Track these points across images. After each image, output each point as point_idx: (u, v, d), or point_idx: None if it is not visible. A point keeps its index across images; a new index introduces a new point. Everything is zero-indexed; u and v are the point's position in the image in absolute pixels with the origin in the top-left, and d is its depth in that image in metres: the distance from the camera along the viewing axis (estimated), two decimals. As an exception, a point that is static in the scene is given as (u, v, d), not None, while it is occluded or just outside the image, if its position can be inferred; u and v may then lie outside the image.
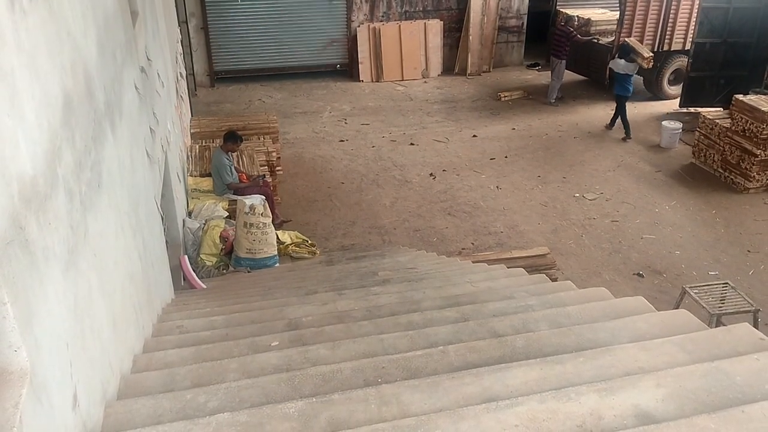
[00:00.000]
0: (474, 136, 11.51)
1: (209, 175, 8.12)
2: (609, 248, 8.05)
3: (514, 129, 11.80)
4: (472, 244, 8.15)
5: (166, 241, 5.35)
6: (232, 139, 8.02)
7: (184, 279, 6.18)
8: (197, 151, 8.80)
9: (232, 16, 13.61)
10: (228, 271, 6.80)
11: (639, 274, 7.50)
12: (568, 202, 9.18)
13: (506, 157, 10.65)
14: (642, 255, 7.88)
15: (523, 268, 5.68)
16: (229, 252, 6.93)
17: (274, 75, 14.30)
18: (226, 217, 7.39)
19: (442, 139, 11.37)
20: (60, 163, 2.31)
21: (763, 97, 9.54)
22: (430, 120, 12.30)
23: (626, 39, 12.12)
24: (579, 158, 10.57)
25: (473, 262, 6.37)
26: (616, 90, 11.54)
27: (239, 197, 7.42)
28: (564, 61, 12.62)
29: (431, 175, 10.04)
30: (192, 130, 9.61)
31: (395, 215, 8.87)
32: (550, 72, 13.12)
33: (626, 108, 11.42)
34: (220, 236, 6.93)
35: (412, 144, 11.19)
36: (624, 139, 11.24)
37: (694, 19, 11.75)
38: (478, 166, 10.32)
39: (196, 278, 6.16)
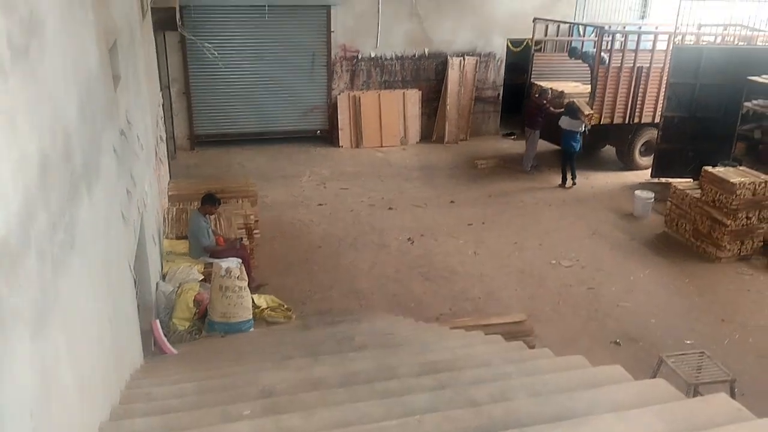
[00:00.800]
0: (451, 201, 11.64)
1: (185, 237, 8.05)
2: (586, 315, 8.06)
3: (490, 196, 11.98)
4: (450, 309, 8.11)
5: (138, 305, 5.24)
6: (210, 201, 8.01)
7: (154, 344, 6.02)
8: (174, 213, 8.75)
9: (214, 81, 13.83)
10: (201, 336, 6.63)
11: (616, 342, 7.49)
12: (545, 269, 9.23)
13: (483, 223, 10.76)
14: (618, 322, 7.90)
15: (501, 334, 5.65)
16: (202, 316, 6.78)
17: (254, 139, 14.44)
18: (201, 281, 7.28)
19: (420, 204, 11.47)
20: (33, 224, 2.29)
21: (731, 169, 9.85)
22: (408, 185, 12.44)
23: (573, 100, 12.76)
24: (554, 225, 10.71)
25: (451, 328, 6.32)
26: (564, 145, 12.35)
27: (215, 260, 7.33)
28: (538, 132, 12.99)
29: (409, 239, 10.07)
30: (170, 193, 9.59)
31: (373, 280, 8.82)
32: (525, 141, 13.47)
33: (575, 161, 12.39)
34: (194, 299, 6.80)
35: (390, 209, 11.26)
36: (570, 186, 12.35)
37: (663, 94, 12.23)
38: (456, 232, 10.40)
39: (167, 343, 6.01)
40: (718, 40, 13.16)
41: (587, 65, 13.02)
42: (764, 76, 10.72)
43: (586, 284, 8.81)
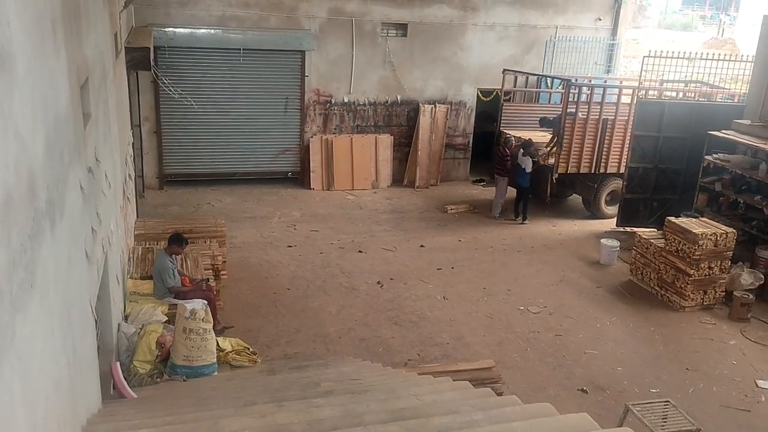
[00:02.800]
0: (421, 246, 11.68)
1: (150, 277, 7.91)
2: (553, 362, 8.07)
3: (460, 241, 12.06)
4: (418, 355, 8.05)
5: (98, 346, 5.09)
6: (177, 241, 7.91)
7: (114, 387, 5.83)
8: (140, 252, 8.61)
9: (185, 121, 13.82)
10: (162, 380, 6.46)
11: (583, 390, 7.49)
12: (513, 315, 9.26)
13: (453, 267, 10.79)
14: (585, 370, 7.92)
15: (469, 381, 5.60)
16: (165, 359, 6.62)
17: (224, 180, 14.40)
18: (165, 322, 7.12)
19: (390, 248, 11.48)
20: (-8, 262, 2.22)
21: (693, 220, 10.10)
22: (378, 229, 12.47)
23: (530, 138, 13.24)
24: (523, 272, 10.80)
25: (419, 374, 6.26)
26: (518, 181, 13.00)
27: (180, 301, 7.20)
28: (506, 179, 13.23)
29: (379, 283, 10.04)
30: (136, 232, 9.45)
31: (341, 323, 8.74)
32: (494, 188, 13.68)
33: (527, 200, 13.10)
34: (156, 342, 6.64)
35: (360, 252, 11.25)
36: (520, 222, 12.98)
37: (628, 145, 12.58)
38: (426, 276, 10.40)
39: (127, 387, 5.82)
40: (680, 95, 13.66)
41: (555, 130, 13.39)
42: (723, 131, 11.12)
43: (554, 331, 8.85)
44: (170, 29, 13.12)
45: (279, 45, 13.86)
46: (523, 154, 12.86)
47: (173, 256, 7.92)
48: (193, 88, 13.53)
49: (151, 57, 10.03)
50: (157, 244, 8.93)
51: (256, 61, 13.88)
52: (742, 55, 15.75)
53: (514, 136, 13.70)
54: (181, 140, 13.99)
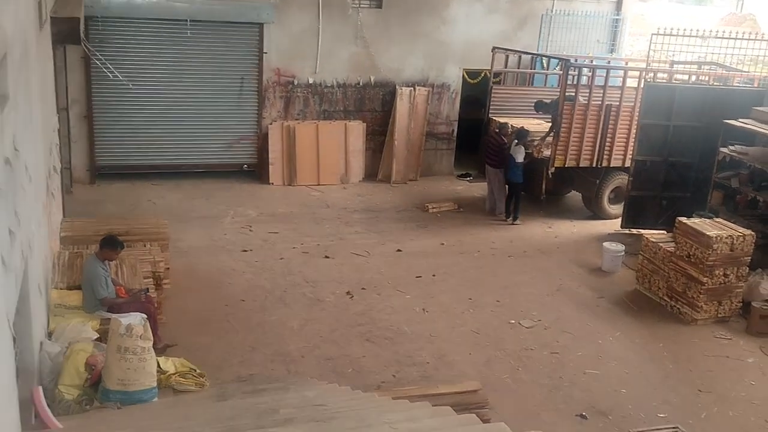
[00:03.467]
0: (398, 250, 11.70)
1: (79, 287, 7.83)
2: (549, 384, 8.15)
3: (443, 244, 12.11)
4: (394, 376, 8.07)
5: (17, 368, 5.02)
6: (111, 245, 7.83)
7: (35, 416, 5.76)
8: (66, 258, 8.52)
9: (122, 104, 13.68)
10: (93, 407, 6.39)
11: (582, 416, 7.57)
12: (503, 330, 9.33)
13: (434, 275, 10.83)
14: (585, 393, 8.01)
15: (451, 406, 5.62)
16: (95, 383, 6.55)
17: (168, 173, 14.27)
18: (96, 340, 7.05)
19: (362, 253, 11.48)
20: None
21: (707, 220, 10.28)
22: (348, 231, 12.46)
23: (523, 126, 13.49)
24: (514, 280, 10.88)
25: (393, 398, 6.27)
26: (510, 176, 13.16)
27: (114, 315, 7.12)
28: (501, 170, 13.26)
29: (348, 293, 10.03)
30: (63, 234, 9.34)
31: (304, 341, 8.72)
32: (487, 183, 13.75)
33: (519, 197, 13.25)
34: (85, 363, 6.57)
35: (327, 257, 11.23)
36: (510, 223, 13.14)
37: (634, 135, 12.75)
38: (403, 285, 10.42)
39: (51, 415, 5.75)
40: (692, 78, 13.90)
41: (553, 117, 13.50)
42: (741, 119, 11.34)
43: (550, 348, 8.93)
44: (104, -4, 12.97)
45: (233, 16, 13.79)
46: (517, 144, 12.96)
47: (106, 262, 7.84)
48: (132, 66, 13.40)
49: (82, 29, 9.89)
50: (87, 248, 8.82)
51: (206, 35, 13.80)
52: (763, 34, 16.11)
53: (511, 124, 13.79)
54: (116, 127, 13.84)
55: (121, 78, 12.39)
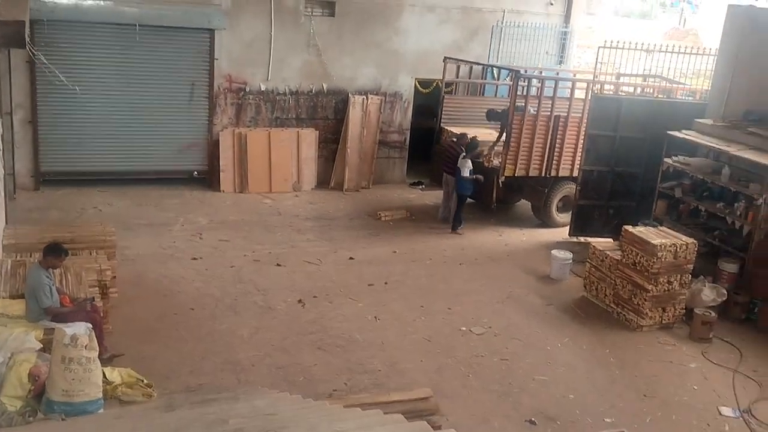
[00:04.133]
0: (350, 258, 11.70)
1: (22, 296, 7.66)
2: (498, 390, 8.23)
3: (395, 252, 12.15)
4: (345, 384, 8.06)
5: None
6: (55, 252, 7.68)
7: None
8: (9, 266, 8.33)
9: (68, 109, 13.38)
10: (36, 419, 6.26)
11: (531, 421, 7.67)
12: (454, 337, 9.40)
13: (386, 283, 10.86)
14: (534, 399, 8.11)
15: (403, 413, 5.64)
16: (39, 394, 6.41)
17: (116, 180, 14.03)
18: (40, 350, 6.90)
19: (314, 261, 11.45)
20: None
21: (652, 229, 10.54)
22: (300, 238, 12.41)
23: (475, 137, 13.59)
24: (465, 287, 10.98)
25: (345, 406, 6.26)
26: (458, 188, 13.21)
27: (58, 325, 6.96)
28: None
29: (300, 301, 9.99)
30: (5, 241, 9.12)
31: (254, 349, 8.64)
32: (443, 192, 13.82)
33: (462, 207, 13.31)
34: (29, 374, 6.45)
35: (278, 265, 11.17)
36: (452, 233, 13.15)
37: (581, 146, 13.01)
38: (355, 293, 10.42)
39: (-9, 429, 5.59)
40: (638, 90, 14.28)
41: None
42: (684, 131, 11.69)
43: (499, 355, 9.03)
44: (50, 0, 12.69)
45: (183, 22, 13.65)
46: (464, 157, 13.02)
47: (50, 270, 7.68)
48: (79, 71, 13.18)
49: (27, 32, 9.67)
50: (31, 256, 8.63)
51: (155, 40, 13.63)
52: (705, 48, 16.65)
53: (466, 133, 13.91)
54: (62, 132, 13.55)
55: (67, 83, 12.15)
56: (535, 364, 8.88)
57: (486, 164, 13.42)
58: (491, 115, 14.11)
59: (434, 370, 8.55)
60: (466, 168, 12.93)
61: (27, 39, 9.69)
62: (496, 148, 13.57)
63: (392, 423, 5.07)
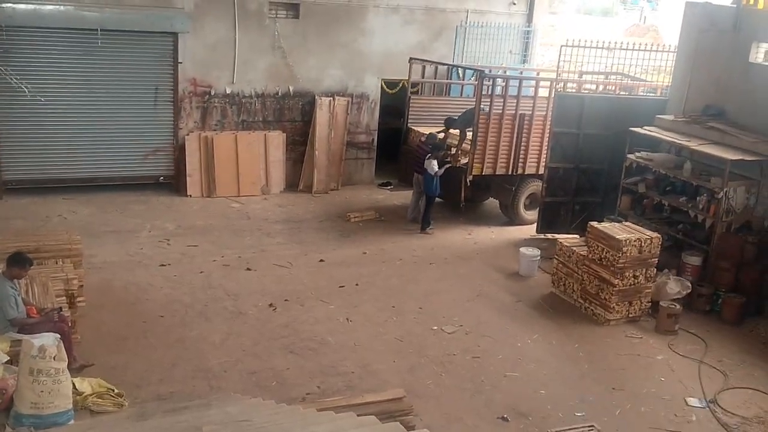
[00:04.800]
0: (321, 260, 11.69)
1: (-13, 308, 7.48)
2: (471, 388, 8.30)
3: (365, 253, 12.17)
4: (318, 387, 8.05)
5: None
6: (19, 263, 7.55)
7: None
8: (-27, 278, 8.12)
9: (30, 116, 13.18)
10: (3, 434, 6.16)
11: (504, 418, 7.74)
12: (426, 336, 9.45)
13: (357, 284, 10.87)
14: (506, 395, 8.20)
15: (377, 414, 5.69)
16: (7, 407, 6.32)
17: (80, 187, 13.82)
18: (6, 363, 6.79)
19: (284, 264, 11.42)
20: None
21: (617, 225, 10.71)
22: (270, 242, 12.37)
23: (433, 133, 13.78)
24: (436, 286, 11.04)
25: (318, 410, 6.27)
26: (425, 188, 13.27)
27: (25, 336, 6.86)
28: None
29: (271, 305, 9.96)
30: (-33, 252, 8.91)
31: (226, 355, 8.60)
32: (413, 192, 13.86)
33: (430, 207, 13.35)
34: (-5, 387, 6.33)
35: (248, 269, 11.12)
36: (421, 233, 13.21)
37: (547, 144, 13.17)
38: (326, 295, 10.42)
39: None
40: (600, 88, 14.48)
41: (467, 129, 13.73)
42: (646, 127, 11.88)
43: (471, 353, 9.10)
44: (8, 5, 12.49)
45: (146, 25, 13.51)
46: (429, 157, 13.04)
47: (15, 280, 7.56)
48: (40, 77, 13.01)
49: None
50: (-5, 266, 8.45)
51: (117, 45, 13.46)
52: (665, 45, 16.94)
53: (437, 132, 13.99)
54: (24, 139, 13.35)
55: (26, 91, 11.92)
56: (506, 361, 8.96)
57: (454, 163, 13.49)
58: (450, 123, 14.11)
59: (407, 370, 8.59)
60: (433, 168, 12.99)
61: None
62: (462, 147, 13.65)
63: (366, 425, 5.10)
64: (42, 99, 12.77)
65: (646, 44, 16.88)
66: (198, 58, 14.19)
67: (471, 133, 13.50)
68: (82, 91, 13.48)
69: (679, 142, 11.31)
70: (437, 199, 13.61)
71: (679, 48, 12.66)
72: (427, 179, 13.09)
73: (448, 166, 13.26)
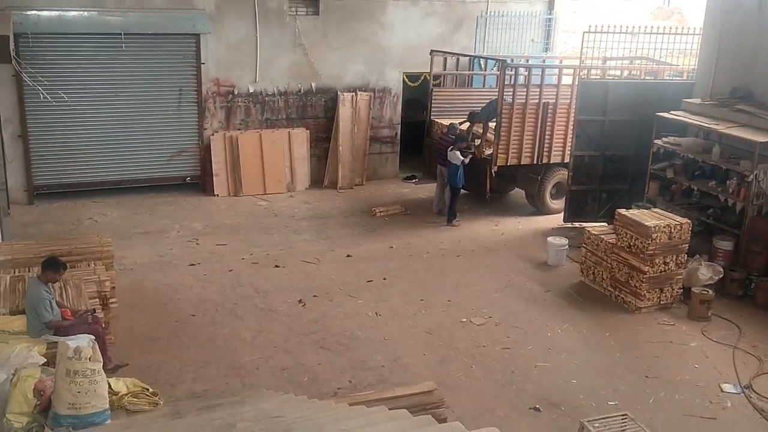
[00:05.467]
0: (348, 256, 11.72)
1: (22, 312, 7.62)
2: (502, 379, 8.28)
3: (392, 247, 12.17)
4: (350, 382, 8.09)
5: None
6: (53, 266, 7.65)
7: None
8: (8, 283, 8.28)
9: (58, 121, 13.39)
10: (43, 434, 6.24)
11: (536, 408, 7.72)
12: (455, 329, 9.44)
13: (385, 279, 10.89)
14: (537, 386, 8.16)
15: (408, 408, 5.69)
16: (45, 409, 6.40)
17: (109, 189, 14.01)
18: (43, 365, 6.89)
19: (311, 260, 11.47)
20: None
21: (645, 211, 10.59)
22: (297, 239, 12.43)
23: (452, 123, 13.70)
24: (464, 279, 11.01)
25: (350, 404, 6.29)
26: (448, 180, 13.21)
27: (61, 338, 6.97)
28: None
29: (300, 302, 10.01)
30: (2, 257, 9.07)
31: (258, 352, 8.66)
32: (437, 185, 13.83)
33: (456, 199, 13.31)
34: (34, 389, 6.42)
35: (277, 266, 11.18)
36: (449, 225, 13.18)
37: (571, 131, 13.05)
38: (354, 290, 10.45)
39: (0, 446, 5.60)
40: (624, 73, 14.30)
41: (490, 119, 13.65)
42: (673, 111, 11.72)
43: (501, 344, 9.07)
44: (33, 12, 12.70)
45: (168, 28, 13.64)
46: (452, 149, 12.99)
47: (49, 284, 7.65)
48: (67, 82, 13.17)
49: (11, 47, 9.65)
50: (29, 271, 8.60)
51: (141, 48, 13.62)
52: (689, 27, 16.65)
53: (456, 124, 13.93)
54: (53, 145, 13.56)
55: (49, 99, 12.03)
56: (537, 351, 8.92)
57: (478, 155, 13.42)
58: (473, 117, 14.01)
59: (437, 363, 8.59)
60: (458, 158, 12.93)
61: (12, 53, 9.69)
62: (485, 139, 13.58)
63: (398, 418, 5.11)
64: (68, 102, 12.90)
65: (670, 27, 16.62)
66: (220, 58, 14.29)
67: (493, 124, 13.44)
68: (108, 95, 13.65)
69: (707, 125, 11.15)
70: (462, 191, 13.56)
71: (705, 30, 12.47)
72: (452, 171, 13.04)
73: (471, 154, 13.17)
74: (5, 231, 10.68)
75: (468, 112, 14.17)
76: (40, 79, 11.93)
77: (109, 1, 13.27)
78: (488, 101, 13.76)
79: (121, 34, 13.22)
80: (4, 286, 8.21)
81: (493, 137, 13.41)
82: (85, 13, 13.12)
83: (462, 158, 12.94)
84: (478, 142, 13.66)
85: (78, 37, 13.21)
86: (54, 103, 12.79)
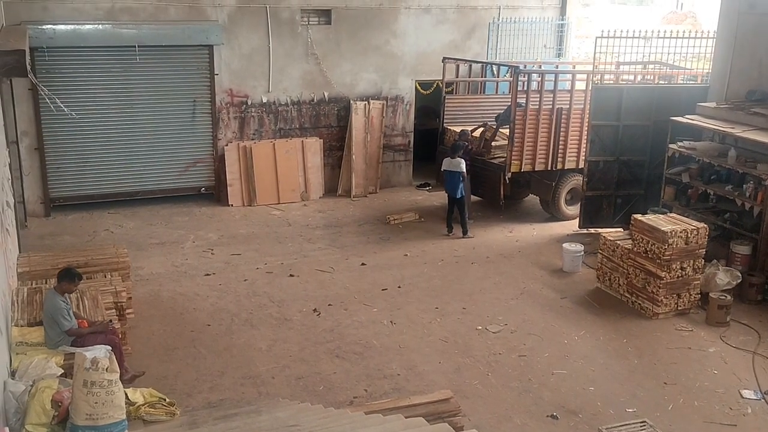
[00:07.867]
0: (362, 264, 11.73)
1: (40, 323, 7.70)
2: (518, 387, 8.24)
3: (406, 255, 12.17)
4: (365, 390, 8.08)
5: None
6: (68, 277, 7.72)
7: (2, 459, 5.63)
8: (25, 294, 8.37)
9: (74, 134, 13.52)
10: (61, 445, 6.28)
11: (553, 416, 7.67)
12: (471, 336, 9.41)
13: (399, 287, 10.88)
14: (554, 393, 8.12)
15: (424, 416, 5.68)
16: (63, 419, 6.43)
17: (124, 201, 14.12)
18: (61, 376, 6.94)
19: (326, 269, 11.49)
20: None
21: (662, 216, 10.53)
22: (311, 247, 12.45)
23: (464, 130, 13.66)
24: (479, 286, 10.99)
25: (366, 413, 6.29)
26: (447, 189, 13.06)
27: (78, 349, 7.02)
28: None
29: (315, 311, 10.03)
30: (20, 269, 9.18)
31: (273, 361, 8.68)
32: (447, 196, 13.77)
33: (465, 211, 13.08)
34: (52, 400, 6.46)
35: (291, 275, 11.21)
36: (461, 237, 12.95)
37: (585, 137, 13.01)
38: (369, 299, 10.45)
39: (19, 456, 5.64)
40: (638, 78, 14.25)
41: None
42: (688, 116, 11.66)
43: (517, 351, 9.04)
44: (49, 26, 12.82)
45: (181, 40, 13.74)
46: (452, 158, 12.83)
47: (66, 295, 7.73)
48: (82, 95, 13.31)
49: (28, 60, 9.76)
50: (46, 282, 8.70)
51: (155, 60, 13.73)
52: (703, 31, 16.57)
53: (466, 130, 13.92)
54: (69, 157, 13.68)
55: (66, 110, 12.15)
56: (554, 359, 8.88)
57: (474, 150, 13.42)
58: (502, 118, 14.03)
59: (453, 370, 8.57)
60: (461, 167, 12.69)
61: (28, 67, 9.80)
62: (495, 142, 13.57)
63: (414, 427, 5.10)
64: (83, 115, 13.03)
65: (684, 31, 16.53)
66: (233, 68, 14.38)
67: (504, 130, 13.42)
68: (123, 107, 13.77)
69: (723, 129, 11.08)
70: (475, 197, 13.48)
71: (719, 33, 12.41)
72: (454, 181, 12.77)
73: (469, 150, 13.13)
74: (22, 243, 10.78)
75: (480, 120, 14.18)
76: (56, 92, 12.05)
77: (123, 14, 13.41)
78: (508, 106, 13.70)
79: (135, 46, 13.35)
80: (21, 298, 8.30)
81: (500, 143, 13.38)
82: (100, 26, 13.25)
83: (463, 170, 12.70)
84: (494, 144, 13.61)
85: (93, 50, 13.33)
86: (70, 116, 12.91)
